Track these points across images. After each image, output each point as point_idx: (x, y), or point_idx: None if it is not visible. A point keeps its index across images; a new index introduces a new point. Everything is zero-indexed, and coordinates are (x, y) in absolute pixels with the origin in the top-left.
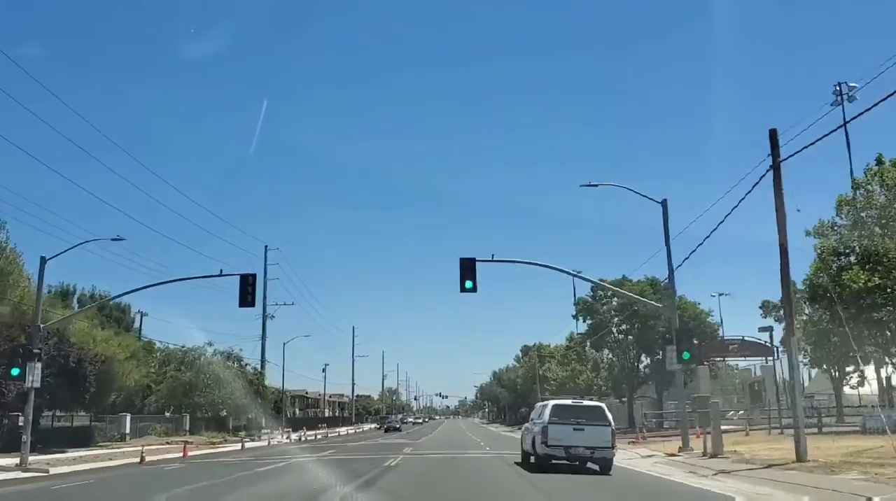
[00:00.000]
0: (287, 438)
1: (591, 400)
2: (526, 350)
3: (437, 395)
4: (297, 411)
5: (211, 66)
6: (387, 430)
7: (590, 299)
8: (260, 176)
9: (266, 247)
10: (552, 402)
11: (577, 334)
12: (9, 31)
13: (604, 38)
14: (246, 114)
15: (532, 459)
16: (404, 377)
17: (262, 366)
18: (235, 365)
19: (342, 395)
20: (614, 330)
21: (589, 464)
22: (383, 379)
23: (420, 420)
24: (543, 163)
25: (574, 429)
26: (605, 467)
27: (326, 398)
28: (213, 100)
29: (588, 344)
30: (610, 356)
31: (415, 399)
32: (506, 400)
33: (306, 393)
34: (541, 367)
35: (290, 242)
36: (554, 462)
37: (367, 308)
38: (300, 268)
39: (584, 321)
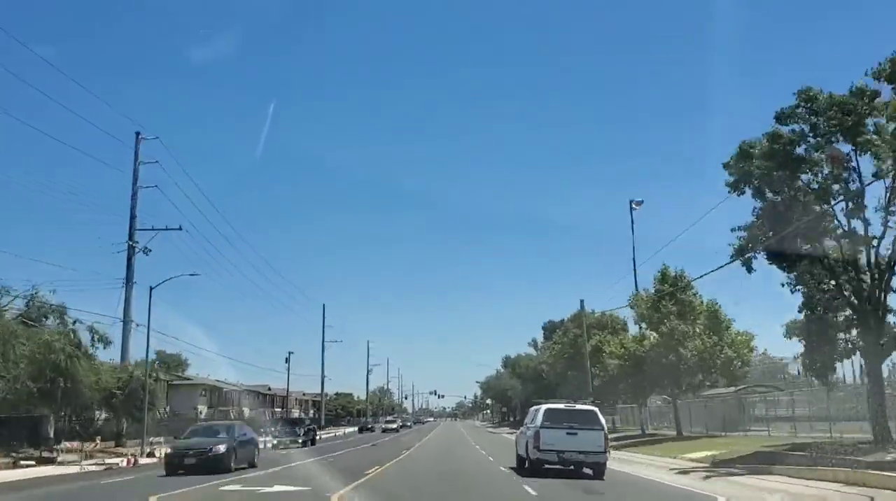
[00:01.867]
0: (134, 458)
1: (585, 402)
2: (552, 326)
3: (431, 393)
4: (248, 410)
5: (215, 70)
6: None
7: (776, 140)
8: (261, 179)
9: (138, 133)
10: (545, 406)
11: (739, 232)
12: (22, 30)
13: (607, 39)
14: (249, 118)
15: (526, 464)
16: (395, 374)
17: (126, 335)
18: (53, 322)
19: (325, 394)
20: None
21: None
22: (368, 373)
23: (394, 425)
24: (544, 165)
25: (567, 434)
26: (599, 472)
27: (295, 396)
28: (217, 103)
29: (756, 258)
30: (793, 284)
31: (405, 397)
32: (521, 395)
33: (269, 388)
34: (589, 340)
35: (288, 245)
36: (547, 466)
37: (365, 309)
38: (300, 271)
39: (760, 197)
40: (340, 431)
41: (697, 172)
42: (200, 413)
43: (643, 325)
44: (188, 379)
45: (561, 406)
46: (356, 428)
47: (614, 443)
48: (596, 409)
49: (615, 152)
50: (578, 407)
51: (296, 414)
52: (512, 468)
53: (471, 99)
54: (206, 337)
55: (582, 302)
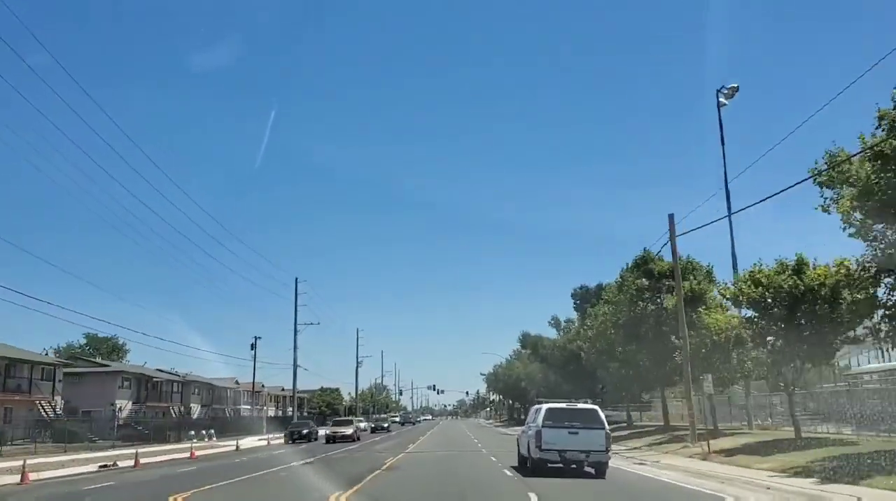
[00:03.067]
0: None
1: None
2: (585, 294)
3: (429, 388)
4: (198, 407)
5: (216, 72)
6: None
7: None
8: (262, 180)
9: None
10: (546, 405)
11: None
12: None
13: (607, 39)
14: (250, 119)
15: (528, 463)
16: (391, 368)
17: None
18: None
19: (309, 391)
20: None
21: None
22: (357, 366)
23: (349, 430)
24: (543, 165)
25: (569, 433)
26: (601, 471)
27: (269, 392)
28: (217, 105)
29: None
30: None
31: (400, 393)
32: (542, 384)
33: (237, 382)
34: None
35: (288, 245)
36: (550, 465)
37: (365, 309)
38: (300, 271)
39: None
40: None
41: (693, 174)
42: (120, 409)
43: (858, 218)
44: (102, 366)
45: (562, 405)
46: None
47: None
48: (597, 408)
49: (615, 152)
50: (580, 406)
51: (271, 412)
52: (514, 467)
53: (471, 99)
54: (199, 334)
55: (671, 217)
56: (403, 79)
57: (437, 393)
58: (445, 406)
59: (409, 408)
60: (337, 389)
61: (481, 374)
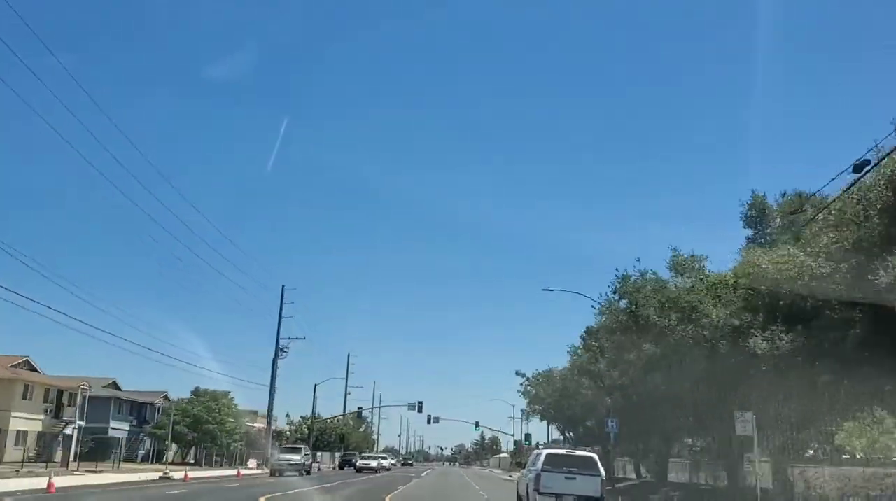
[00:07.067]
0: None
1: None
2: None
3: (409, 407)
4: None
5: (231, 85)
6: None
7: None
8: (273, 197)
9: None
10: (546, 451)
11: None
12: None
13: (652, 64)
14: (272, 137)
15: None
16: (368, 385)
17: None
18: None
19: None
20: None
21: None
22: (276, 355)
23: None
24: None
25: (566, 478)
26: None
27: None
28: (234, 120)
29: None
30: None
31: (359, 413)
32: None
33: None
34: None
35: (302, 270)
36: None
37: (365, 334)
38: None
39: None
40: None
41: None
42: None
43: None
44: None
45: (562, 451)
46: None
47: None
48: (595, 456)
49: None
50: (578, 452)
51: (75, 428)
52: None
53: (468, 128)
54: None
55: None
56: (421, 98)
57: (429, 421)
58: (442, 448)
59: (398, 448)
60: (226, 393)
61: (517, 374)
